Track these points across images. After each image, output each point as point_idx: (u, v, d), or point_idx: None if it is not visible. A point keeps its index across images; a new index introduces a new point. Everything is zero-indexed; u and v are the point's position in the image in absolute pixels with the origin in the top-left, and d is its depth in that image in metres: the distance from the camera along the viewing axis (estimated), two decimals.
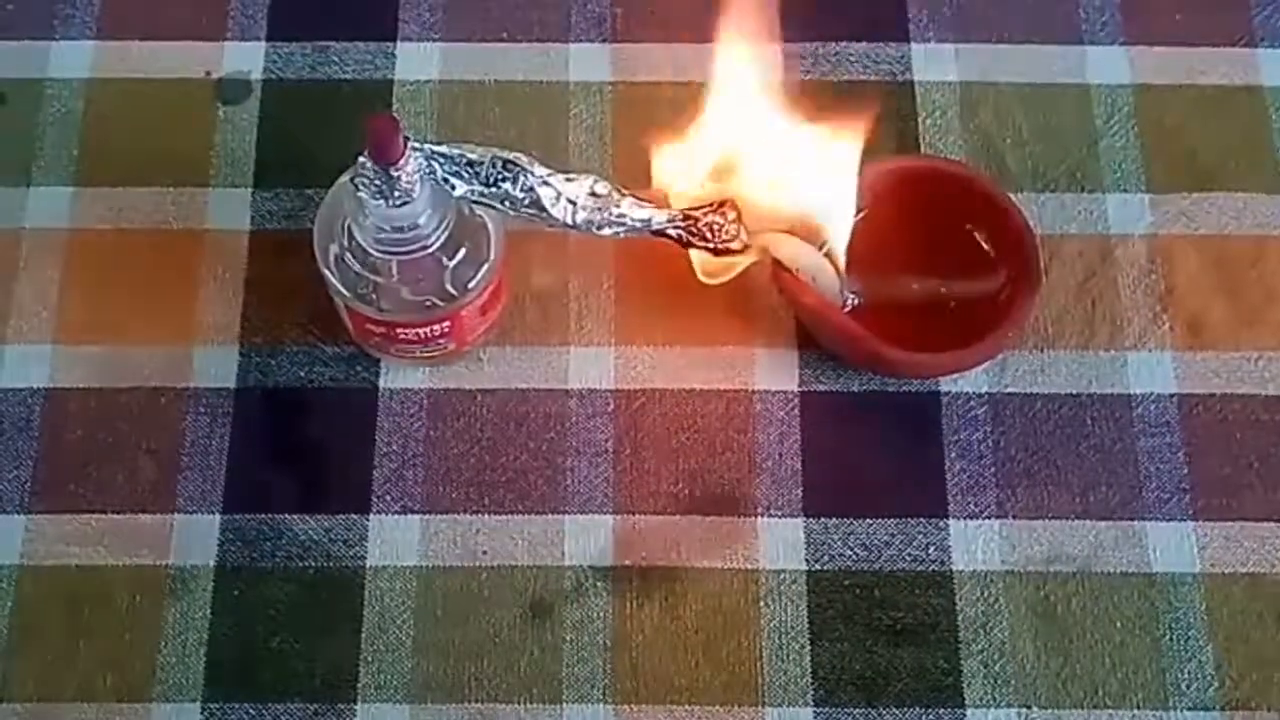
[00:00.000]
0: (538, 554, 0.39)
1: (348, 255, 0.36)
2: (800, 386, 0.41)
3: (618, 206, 0.37)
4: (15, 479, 0.40)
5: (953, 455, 0.40)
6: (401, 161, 0.33)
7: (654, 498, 0.40)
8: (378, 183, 0.33)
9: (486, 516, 0.40)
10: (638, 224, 0.37)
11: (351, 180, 0.34)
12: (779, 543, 0.39)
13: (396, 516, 0.40)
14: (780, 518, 0.40)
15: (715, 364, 0.41)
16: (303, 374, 0.41)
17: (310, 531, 0.39)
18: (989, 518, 0.40)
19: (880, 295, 0.40)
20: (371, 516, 0.40)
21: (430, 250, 0.35)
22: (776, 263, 0.39)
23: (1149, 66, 0.45)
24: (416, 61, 0.45)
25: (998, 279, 0.40)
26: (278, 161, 0.44)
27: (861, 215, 0.40)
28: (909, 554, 0.39)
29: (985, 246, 0.40)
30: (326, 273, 0.37)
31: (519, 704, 0.38)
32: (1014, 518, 0.40)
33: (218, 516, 0.39)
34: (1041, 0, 0.46)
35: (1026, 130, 0.44)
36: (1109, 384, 0.41)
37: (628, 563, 0.39)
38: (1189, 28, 0.45)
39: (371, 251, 0.35)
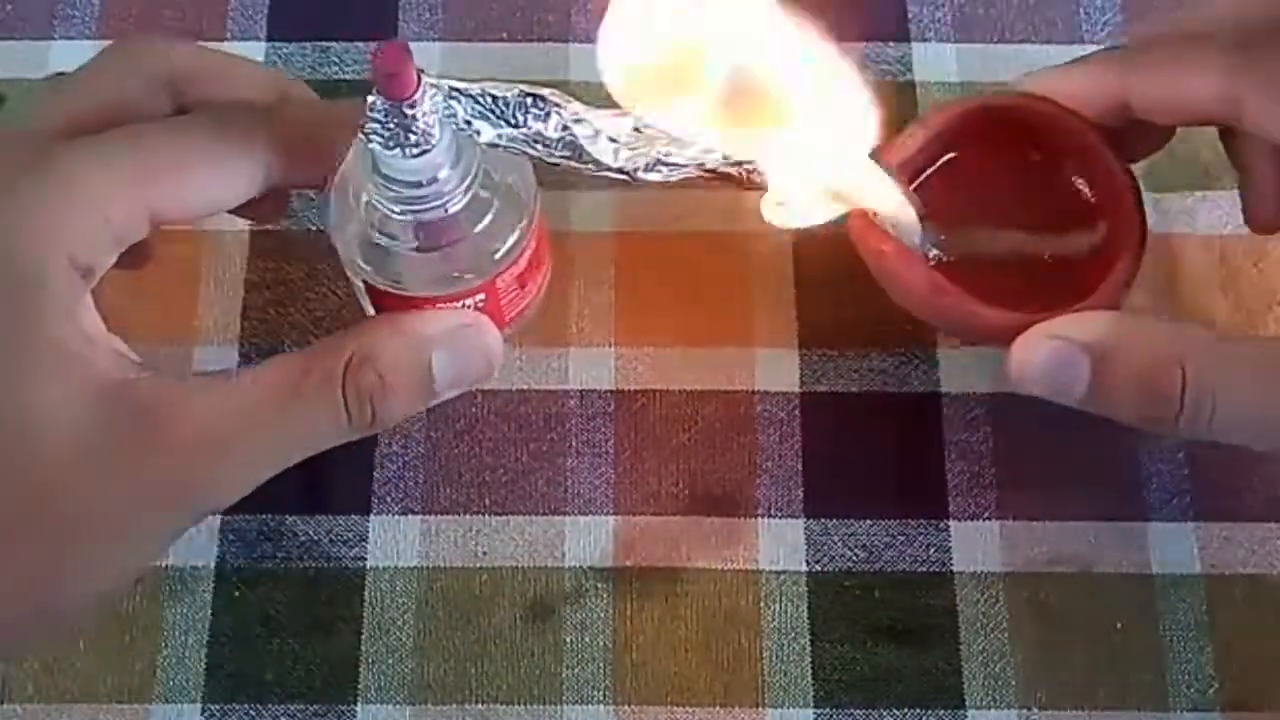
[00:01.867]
0: (538, 555, 0.39)
1: (366, 227, 0.33)
2: (801, 387, 0.41)
3: (666, 145, 0.32)
4: None
5: (953, 455, 0.40)
6: (416, 97, 0.29)
7: (654, 499, 0.40)
8: (390, 126, 0.29)
9: (487, 517, 0.40)
10: (689, 162, 0.33)
11: (361, 128, 0.30)
12: (779, 543, 0.39)
13: (397, 517, 0.40)
14: (781, 518, 0.40)
15: (715, 364, 0.41)
16: None
17: (310, 531, 0.39)
18: (989, 518, 0.40)
19: (964, 248, 0.36)
20: (371, 517, 0.40)
21: (454, 209, 0.31)
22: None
23: None
24: (416, 61, 0.45)
25: (1097, 232, 0.36)
26: None
27: (949, 158, 0.37)
28: (909, 555, 0.39)
29: (1086, 194, 0.36)
30: (343, 249, 0.33)
31: (519, 705, 0.38)
32: (1014, 518, 0.40)
33: (217, 517, 0.39)
34: (1041, 0, 0.46)
35: None
36: None
37: (628, 564, 0.39)
38: None
39: (390, 214, 0.31)
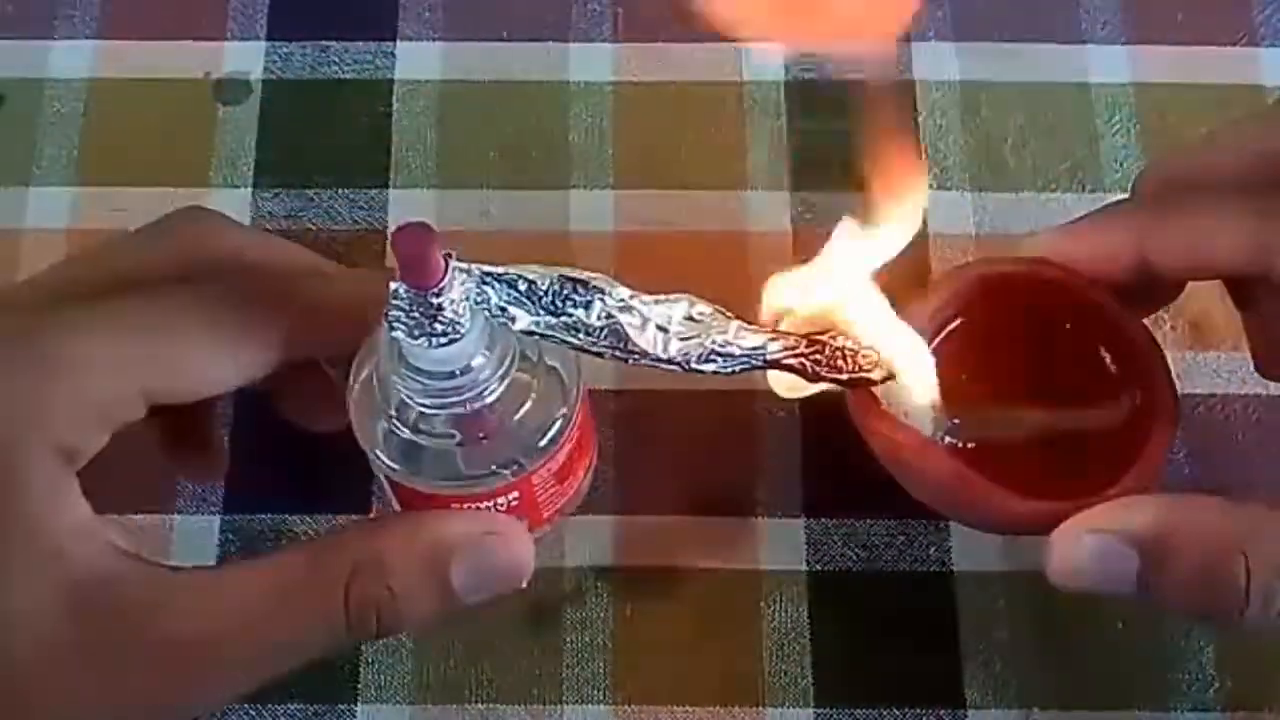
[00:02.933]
0: (538, 555, 0.39)
1: (390, 418, 0.29)
2: None
3: (723, 333, 0.30)
4: None
5: None
6: (444, 286, 0.26)
7: (654, 499, 0.40)
8: (415, 314, 0.26)
9: None
10: (748, 354, 0.30)
11: (385, 315, 0.27)
12: (780, 543, 0.39)
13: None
14: (781, 518, 0.40)
15: None
16: None
17: (310, 531, 0.39)
18: None
19: (978, 430, 0.33)
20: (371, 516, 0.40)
21: (487, 401, 0.28)
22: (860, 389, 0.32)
23: (1149, 66, 0.45)
24: (416, 61, 0.45)
25: (1121, 403, 0.33)
26: (278, 162, 0.44)
27: (952, 328, 0.34)
28: (910, 555, 0.39)
29: (1106, 363, 0.33)
30: (364, 440, 0.31)
31: (520, 705, 0.38)
32: None
33: (217, 517, 0.39)
34: (1041, 0, 0.46)
35: (1027, 130, 0.44)
36: None
37: (628, 563, 0.39)
38: (1190, 27, 0.45)
39: (417, 406, 0.28)
